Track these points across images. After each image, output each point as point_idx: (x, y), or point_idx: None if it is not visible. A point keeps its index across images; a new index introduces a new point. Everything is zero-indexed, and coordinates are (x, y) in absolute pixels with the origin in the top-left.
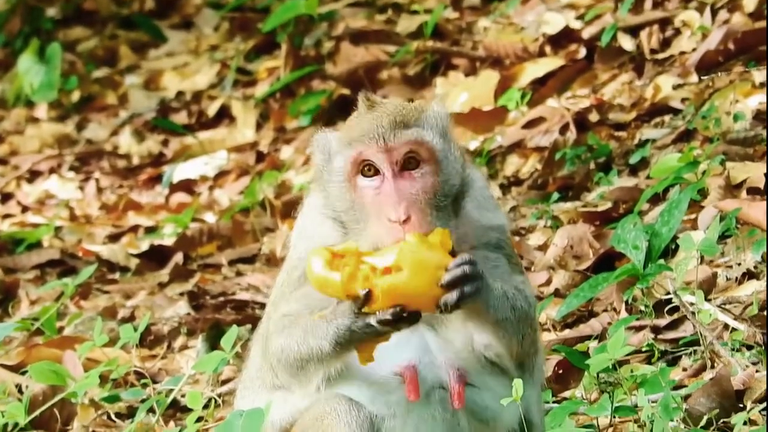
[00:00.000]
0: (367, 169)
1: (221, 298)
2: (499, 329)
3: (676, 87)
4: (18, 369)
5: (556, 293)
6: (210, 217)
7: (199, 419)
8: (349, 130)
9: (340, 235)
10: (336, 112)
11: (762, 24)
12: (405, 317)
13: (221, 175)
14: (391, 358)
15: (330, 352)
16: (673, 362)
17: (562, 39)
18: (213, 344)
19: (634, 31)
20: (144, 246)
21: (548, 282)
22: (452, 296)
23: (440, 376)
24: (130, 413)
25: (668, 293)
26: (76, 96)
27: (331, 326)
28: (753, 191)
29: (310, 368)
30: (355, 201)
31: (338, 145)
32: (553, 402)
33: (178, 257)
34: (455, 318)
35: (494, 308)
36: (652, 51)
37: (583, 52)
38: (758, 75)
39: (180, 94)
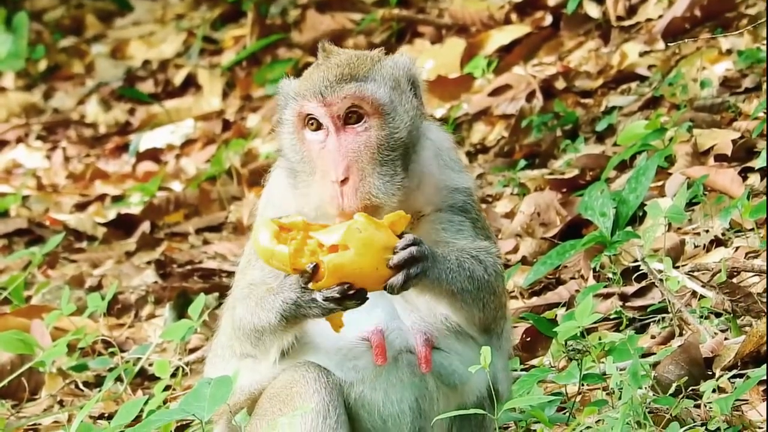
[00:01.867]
0: (311, 123)
1: (188, 267)
2: (456, 301)
3: (642, 54)
4: None
5: (524, 261)
6: (177, 186)
7: (167, 388)
8: (300, 81)
9: (303, 204)
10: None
11: None
12: (351, 295)
13: (188, 143)
14: (358, 324)
15: (277, 325)
16: (642, 330)
17: (528, 6)
18: (180, 313)
19: None
20: (111, 215)
21: (515, 249)
22: (398, 278)
23: (408, 341)
24: (98, 382)
25: (636, 261)
26: (42, 65)
27: (278, 299)
28: (720, 158)
29: (265, 339)
30: (303, 153)
31: (290, 95)
32: (521, 370)
33: (145, 226)
34: (412, 292)
35: (447, 282)
36: (619, 18)
37: (549, 19)
38: (725, 42)
39: (146, 62)
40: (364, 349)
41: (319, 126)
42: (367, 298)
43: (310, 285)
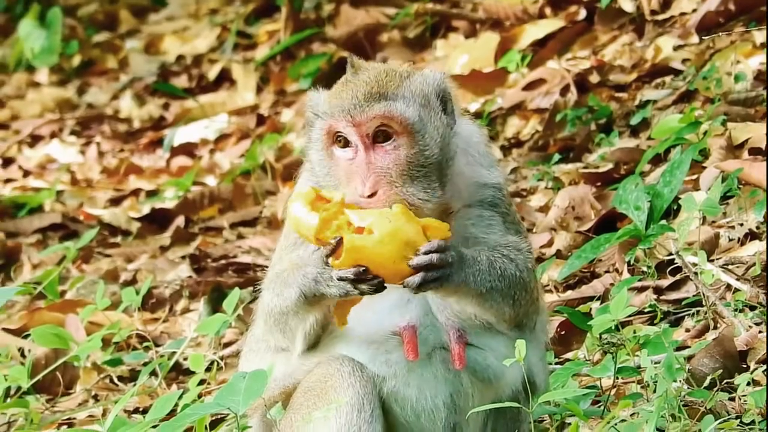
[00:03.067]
0: (339, 140)
1: (223, 261)
2: (485, 300)
3: (676, 48)
4: (20, 333)
5: (558, 254)
6: (211, 181)
7: (202, 382)
8: (329, 98)
9: None
10: (336, 74)
11: None
12: (367, 279)
13: (222, 138)
14: (390, 319)
15: (297, 303)
16: (676, 323)
17: (561, 0)
18: (215, 307)
19: None
20: (145, 209)
21: (550, 243)
22: (414, 279)
23: (441, 337)
24: (133, 376)
25: (670, 254)
26: (76, 60)
27: (299, 273)
28: (754, 151)
29: (290, 323)
30: (331, 169)
31: (319, 111)
32: (556, 363)
33: (180, 220)
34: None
35: (475, 284)
36: (653, 12)
37: (583, 13)
38: (759, 35)
39: (180, 57)
40: (396, 344)
41: (347, 143)
42: (385, 287)
43: (329, 261)
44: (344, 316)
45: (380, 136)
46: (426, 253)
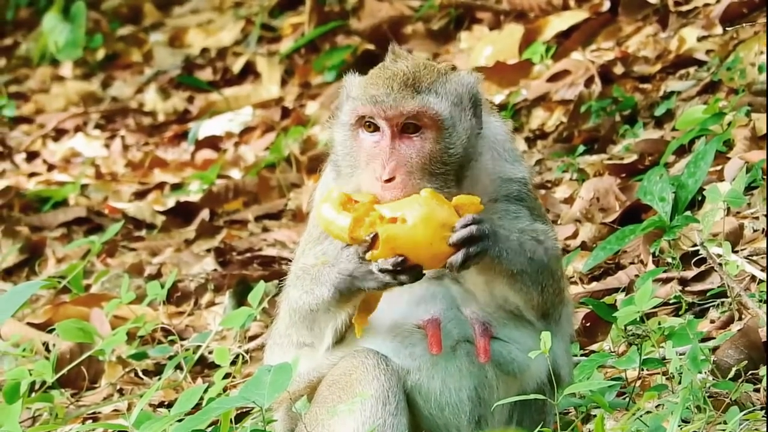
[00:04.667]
0: (368, 125)
1: (248, 254)
2: (515, 282)
3: (700, 39)
4: (45, 327)
5: (583, 246)
6: (236, 174)
7: (227, 375)
8: (365, 82)
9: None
10: (361, 67)
11: None
12: (407, 269)
13: (246, 131)
14: (415, 312)
15: (331, 300)
16: (701, 314)
17: None
18: (240, 300)
19: None
20: (170, 203)
21: (575, 235)
22: (457, 257)
23: (466, 330)
24: (158, 370)
25: (695, 245)
26: (100, 54)
27: (333, 271)
28: None
29: (320, 320)
30: (353, 149)
31: (353, 93)
32: (581, 355)
33: (205, 214)
34: (472, 272)
35: (508, 261)
36: (676, 3)
37: (607, 4)
38: None
39: (204, 51)
40: (420, 337)
41: (375, 128)
42: (423, 275)
43: (367, 255)
44: (368, 315)
45: (409, 126)
46: (464, 226)
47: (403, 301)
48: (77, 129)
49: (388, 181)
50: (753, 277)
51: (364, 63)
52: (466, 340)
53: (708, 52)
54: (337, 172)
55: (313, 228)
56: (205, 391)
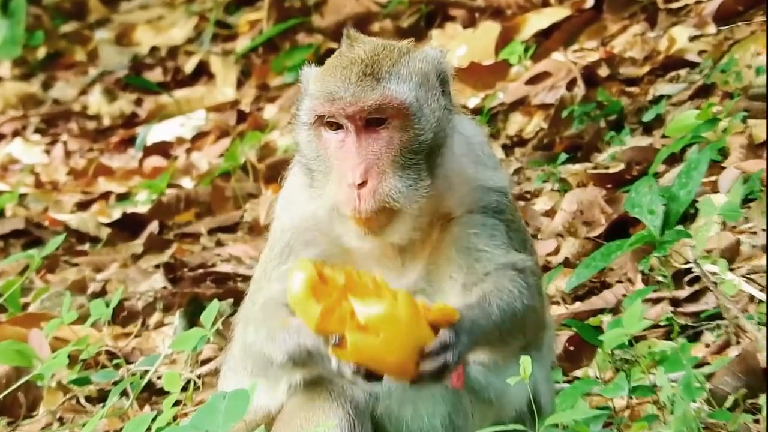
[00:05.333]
0: (329, 124)
1: (200, 271)
2: (495, 346)
3: (692, 38)
4: None
5: (566, 263)
6: (187, 183)
7: (177, 402)
8: (321, 75)
9: (318, 205)
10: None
11: None
12: (368, 376)
13: (199, 136)
14: None
15: (286, 365)
16: (695, 338)
17: None
18: (192, 321)
19: None
20: (116, 214)
21: (556, 251)
22: (424, 382)
23: None
24: (102, 397)
25: (688, 262)
26: (41, 52)
27: (291, 341)
28: None
29: (274, 371)
30: (320, 151)
31: (309, 88)
32: (564, 381)
33: (153, 226)
34: (452, 290)
35: (486, 341)
36: (666, 0)
37: (590, 1)
38: None
39: (154, 49)
40: None
41: (338, 126)
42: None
43: (330, 350)
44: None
45: (374, 119)
46: (435, 353)
47: None
48: (15, 134)
49: (361, 185)
50: (751, 298)
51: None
52: None
53: (701, 52)
54: (309, 178)
55: (274, 243)
56: (153, 419)
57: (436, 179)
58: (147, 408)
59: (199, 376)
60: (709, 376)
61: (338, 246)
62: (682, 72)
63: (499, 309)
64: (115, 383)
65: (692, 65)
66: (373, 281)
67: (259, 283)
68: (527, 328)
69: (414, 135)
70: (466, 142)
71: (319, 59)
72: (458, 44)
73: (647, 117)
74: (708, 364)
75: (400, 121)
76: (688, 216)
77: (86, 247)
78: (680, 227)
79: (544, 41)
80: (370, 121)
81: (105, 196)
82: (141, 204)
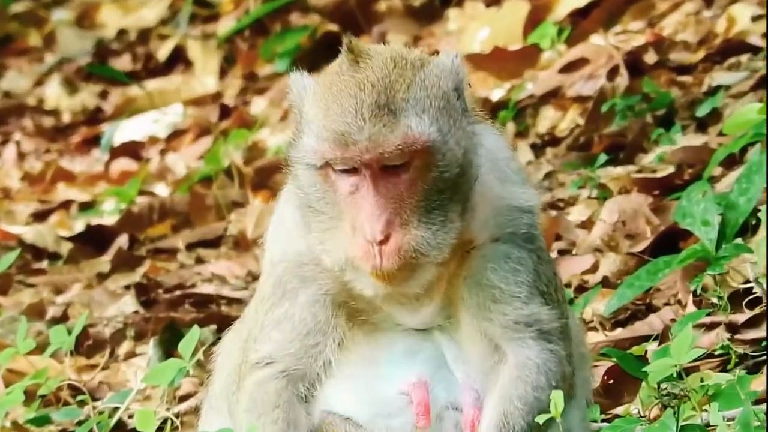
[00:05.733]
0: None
1: (178, 292)
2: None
3: (754, 19)
4: None
5: (605, 282)
6: (162, 189)
7: None
8: (325, 107)
9: (323, 255)
10: (321, 53)
11: None
12: None
13: (176, 135)
14: (398, 372)
15: None
16: (755, 369)
17: None
18: (168, 350)
19: None
20: (78, 227)
21: (594, 268)
22: None
23: (455, 396)
24: None
25: (747, 281)
26: None
27: None
28: None
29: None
30: (326, 194)
31: (310, 117)
32: (602, 420)
33: (122, 241)
34: (468, 326)
35: None
36: None
37: None
38: None
39: (122, 32)
40: (402, 405)
41: (350, 169)
42: None
43: None
44: None
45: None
46: None
47: (383, 358)
48: None
49: (383, 242)
50: None
51: (324, 49)
52: (454, 407)
53: (764, 35)
54: (310, 218)
55: (266, 278)
56: None
57: (465, 215)
58: None
59: (176, 415)
60: None
61: (341, 284)
62: (743, 58)
63: (525, 421)
64: (80, 423)
65: (755, 50)
66: None
67: (252, 328)
68: (560, 388)
69: (439, 174)
70: (491, 158)
71: (316, 46)
72: (480, 26)
73: (701, 111)
74: None
75: (423, 160)
76: (749, 227)
77: (44, 264)
78: (739, 241)
79: (581, 22)
80: (389, 165)
81: (65, 205)
82: (107, 214)
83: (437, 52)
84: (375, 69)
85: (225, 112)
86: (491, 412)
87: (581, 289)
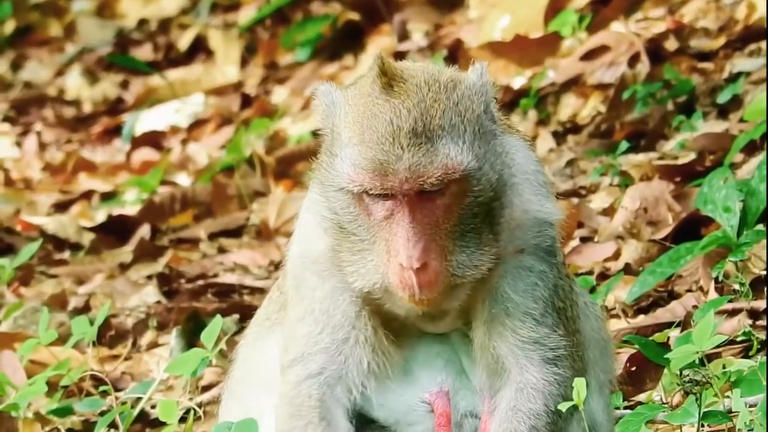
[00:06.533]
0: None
1: (200, 282)
2: None
3: None
4: None
5: (627, 269)
6: (183, 179)
7: None
8: (359, 130)
9: (353, 276)
10: (342, 42)
11: None
12: None
13: (197, 125)
14: (419, 381)
15: None
16: None
17: None
18: (190, 340)
19: None
20: (100, 217)
21: (616, 255)
22: None
23: (475, 403)
24: (87, 429)
25: None
26: (10, 27)
27: None
28: None
29: None
30: (359, 217)
31: (343, 139)
32: (625, 407)
33: (144, 231)
34: (478, 337)
35: None
36: None
37: None
38: None
39: (143, 22)
40: (422, 414)
41: (384, 194)
42: None
43: None
44: None
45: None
46: None
47: (402, 366)
48: None
49: (420, 269)
50: None
51: (346, 39)
52: (473, 415)
53: None
54: (341, 239)
55: (286, 280)
56: None
57: (499, 234)
58: None
59: (199, 405)
60: None
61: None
62: (764, 45)
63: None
64: (102, 414)
65: None
66: None
67: (276, 311)
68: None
69: (474, 199)
70: (520, 171)
71: (337, 35)
72: (501, 14)
73: (723, 98)
74: None
75: (460, 186)
76: None
77: (66, 255)
78: (760, 227)
79: (602, 9)
80: (425, 190)
81: (87, 195)
82: (129, 205)
83: (459, 41)
84: (410, 93)
85: (246, 101)
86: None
87: (603, 276)
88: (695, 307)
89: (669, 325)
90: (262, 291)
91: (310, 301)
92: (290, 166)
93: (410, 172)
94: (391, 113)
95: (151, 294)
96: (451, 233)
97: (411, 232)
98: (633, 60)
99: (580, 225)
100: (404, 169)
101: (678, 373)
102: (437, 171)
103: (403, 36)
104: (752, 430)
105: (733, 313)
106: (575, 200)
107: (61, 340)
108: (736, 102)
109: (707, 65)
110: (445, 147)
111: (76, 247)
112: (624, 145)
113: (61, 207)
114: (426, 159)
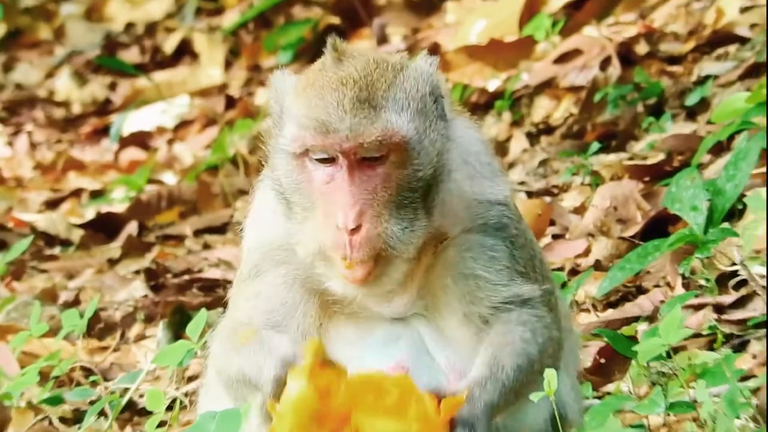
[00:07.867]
0: (315, 154)
1: (185, 277)
2: (515, 400)
3: (743, 10)
4: None
5: (597, 266)
6: (170, 178)
7: (162, 424)
8: (307, 97)
9: (297, 243)
10: (323, 46)
11: None
12: None
13: (183, 125)
14: (376, 357)
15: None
16: (740, 348)
17: None
18: (176, 333)
19: None
20: (89, 214)
21: (587, 252)
22: None
23: (439, 381)
24: (77, 418)
25: (734, 264)
26: (1, 30)
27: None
28: None
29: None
30: (302, 183)
31: (292, 109)
32: (594, 398)
33: (132, 227)
34: (452, 317)
35: (504, 406)
36: None
37: None
38: None
39: (130, 26)
40: None
41: (327, 159)
42: None
43: None
44: None
45: (371, 153)
46: None
47: (361, 345)
48: None
49: (354, 231)
50: None
51: (326, 41)
52: (436, 391)
53: (752, 26)
54: (285, 208)
55: (245, 260)
56: None
57: (432, 215)
58: (128, 430)
59: (185, 394)
60: (755, 391)
61: (314, 273)
62: (731, 49)
63: (513, 370)
64: (92, 403)
65: (743, 41)
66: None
67: (231, 302)
68: (545, 366)
69: (413, 171)
70: (462, 154)
71: (318, 38)
72: (477, 18)
73: (691, 100)
74: (755, 377)
75: (399, 156)
76: (735, 212)
77: (56, 251)
78: (726, 225)
79: (575, 14)
80: (366, 157)
81: (76, 193)
82: (117, 202)
83: (437, 45)
84: (357, 67)
85: (230, 102)
86: (482, 355)
87: (574, 272)
88: (662, 301)
89: (637, 319)
90: None
91: (260, 284)
92: None
93: (351, 131)
94: (338, 82)
95: (138, 288)
96: (387, 203)
97: (348, 196)
98: (604, 63)
99: (552, 223)
100: (345, 128)
101: (645, 365)
102: (377, 131)
103: (383, 39)
104: (716, 419)
105: (698, 307)
106: (548, 199)
107: (52, 332)
108: (704, 104)
109: (676, 68)
110: (386, 114)
111: (66, 243)
112: (595, 145)
113: (51, 204)
114: (367, 121)
